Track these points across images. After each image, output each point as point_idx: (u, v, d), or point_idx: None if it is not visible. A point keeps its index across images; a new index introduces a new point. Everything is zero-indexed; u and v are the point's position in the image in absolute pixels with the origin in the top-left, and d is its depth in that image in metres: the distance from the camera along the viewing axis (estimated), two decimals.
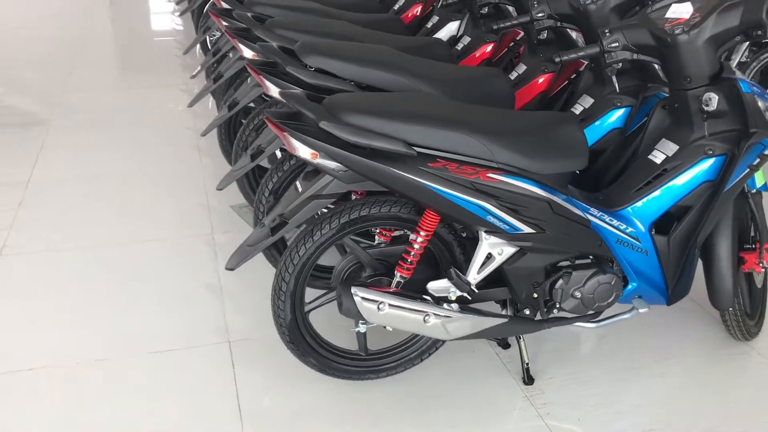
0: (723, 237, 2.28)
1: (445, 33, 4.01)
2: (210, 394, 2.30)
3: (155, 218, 3.43)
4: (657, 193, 2.21)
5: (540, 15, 2.68)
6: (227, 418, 2.20)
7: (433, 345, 2.33)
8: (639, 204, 2.21)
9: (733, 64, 4.69)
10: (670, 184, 2.20)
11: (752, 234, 2.46)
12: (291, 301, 2.12)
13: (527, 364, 2.37)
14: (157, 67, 6.19)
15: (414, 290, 2.11)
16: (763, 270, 2.50)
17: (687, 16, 2.10)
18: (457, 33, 3.81)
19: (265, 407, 2.25)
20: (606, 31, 2.18)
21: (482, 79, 2.55)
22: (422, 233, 2.07)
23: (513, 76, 3.13)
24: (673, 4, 2.15)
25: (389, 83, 2.39)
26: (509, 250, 2.10)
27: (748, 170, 2.17)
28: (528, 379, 2.36)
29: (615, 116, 2.62)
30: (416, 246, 2.08)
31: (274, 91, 2.37)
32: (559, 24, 2.71)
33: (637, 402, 2.30)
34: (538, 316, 2.24)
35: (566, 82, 3.04)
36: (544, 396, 2.31)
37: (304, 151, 1.90)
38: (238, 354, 2.48)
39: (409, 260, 2.10)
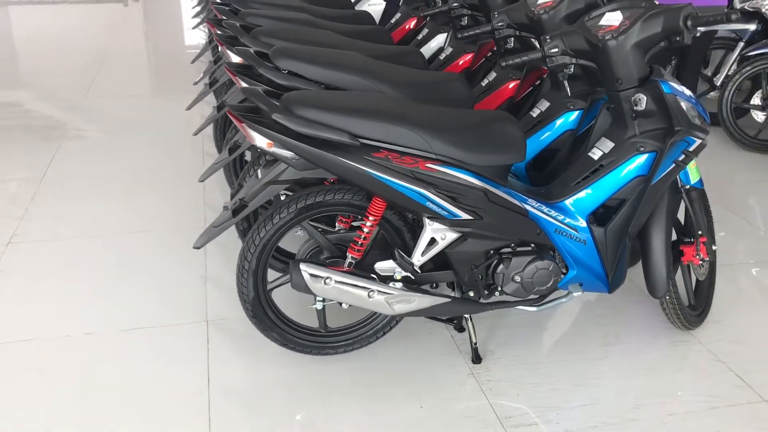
0: (656, 229, 2.46)
1: (435, 44, 4.26)
2: (183, 367, 2.52)
3: (153, 212, 3.70)
4: (593, 186, 2.39)
5: (500, 24, 2.90)
6: (196, 388, 2.42)
7: (388, 324, 2.54)
8: (576, 197, 2.41)
9: (721, 76, 4.87)
10: (605, 178, 2.39)
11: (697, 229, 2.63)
12: (253, 280, 2.34)
13: (475, 344, 2.56)
14: (177, 75, 6.52)
15: (367, 270, 2.32)
16: (701, 262, 2.66)
17: (617, 23, 2.29)
18: (444, 44, 4.05)
19: (232, 380, 2.47)
20: (547, 37, 2.38)
21: (442, 83, 2.77)
22: (370, 218, 2.29)
23: (485, 82, 3.34)
24: (606, 13, 2.35)
25: (354, 85, 2.62)
26: (451, 235, 2.30)
27: (674, 166, 2.35)
28: (476, 359, 2.55)
29: (568, 118, 2.81)
30: (365, 230, 2.30)
31: None
32: (518, 33, 2.92)
33: (576, 381, 2.47)
34: (484, 299, 2.43)
35: (531, 88, 3.24)
36: (489, 374, 2.50)
37: (260, 141, 2.13)
38: (214, 332, 2.71)
39: (359, 242, 2.31)
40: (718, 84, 5.06)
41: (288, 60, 2.63)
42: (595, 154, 2.44)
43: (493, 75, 3.32)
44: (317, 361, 2.54)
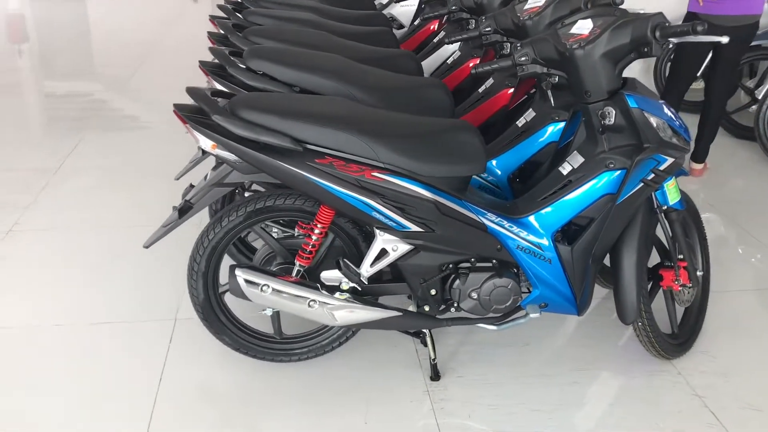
0: (627, 251, 2.32)
1: (452, 47, 4.16)
2: (139, 364, 2.53)
3: (156, 208, 3.72)
4: (559, 203, 2.27)
5: (487, 30, 2.79)
6: (146, 387, 2.42)
7: (344, 335, 2.47)
8: (541, 212, 2.29)
9: (764, 89, 4.59)
10: (572, 195, 2.26)
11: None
12: (203, 282, 2.32)
13: (434, 360, 2.47)
14: None
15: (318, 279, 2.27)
16: (680, 288, 2.50)
17: (587, 32, 2.17)
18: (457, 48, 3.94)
19: (184, 380, 2.45)
20: (518, 45, 2.28)
21: (421, 89, 2.68)
22: (318, 226, 2.23)
23: (482, 89, 3.23)
24: (579, 21, 2.23)
25: (326, 88, 2.56)
26: (403, 246, 2.22)
27: (641, 185, 2.20)
28: (434, 376, 2.46)
29: (552, 130, 2.68)
30: (313, 237, 2.24)
31: None
32: (505, 39, 2.81)
33: (535, 406, 2.36)
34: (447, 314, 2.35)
35: (526, 96, 3.11)
36: (445, 392, 2.41)
37: (204, 142, 2.10)
38: (180, 331, 2.71)
39: (307, 250, 2.26)
40: (759, 97, 4.78)
41: (260, 61, 2.59)
42: (565, 169, 2.32)
43: (490, 81, 3.20)
44: (274, 368, 2.49)
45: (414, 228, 2.17)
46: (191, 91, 2.12)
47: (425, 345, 2.58)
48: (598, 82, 2.16)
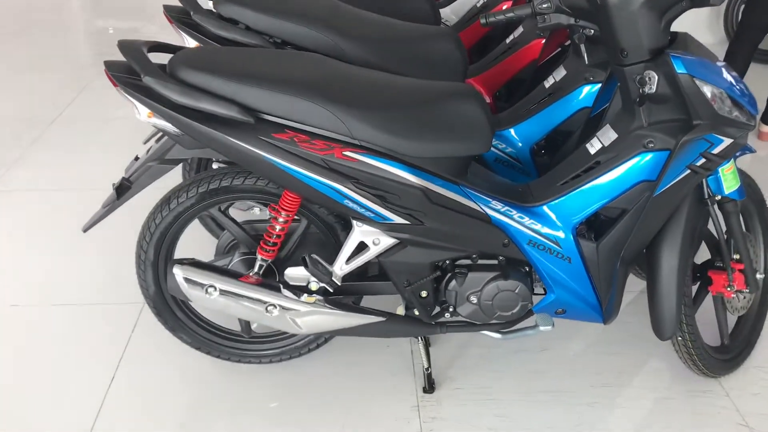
0: (667, 253, 1.86)
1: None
2: (97, 351, 2.24)
3: None
4: (583, 189, 1.82)
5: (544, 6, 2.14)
6: (100, 377, 2.13)
7: (321, 336, 2.10)
8: (560, 200, 1.84)
9: None
10: (600, 180, 1.81)
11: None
12: (153, 272, 1.96)
13: (428, 369, 2.08)
14: None
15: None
16: (734, 295, 2.03)
17: None
18: None
19: (140, 374, 2.15)
20: None
21: (426, 40, 2.22)
22: (283, 213, 1.84)
23: (509, 39, 2.74)
24: None
25: (307, 40, 2.14)
26: (387, 240, 1.81)
27: (688, 172, 1.73)
28: (428, 387, 2.08)
29: (585, 93, 2.21)
30: (277, 227, 1.85)
31: (190, 43, 2.19)
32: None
33: (544, 431, 1.96)
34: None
35: (559, 49, 2.62)
36: (437, 409, 2.02)
37: (141, 109, 1.70)
38: (145, 318, 2.37)
39: (270, 242, 1.87)
40: None
41: (233, 6, 2.17)
42: (593, 146, 1.86)
43: (520, 30, 2.71)
44: (242, 370, 2.14)
45: (397, 220, 1.75)
46: (123, 46, 1.72)
47: (427, 346, 2.17)
48: (637, 38, 1.68)
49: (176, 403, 2.05)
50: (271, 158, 1.66)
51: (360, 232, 1.81)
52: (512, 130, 2.29)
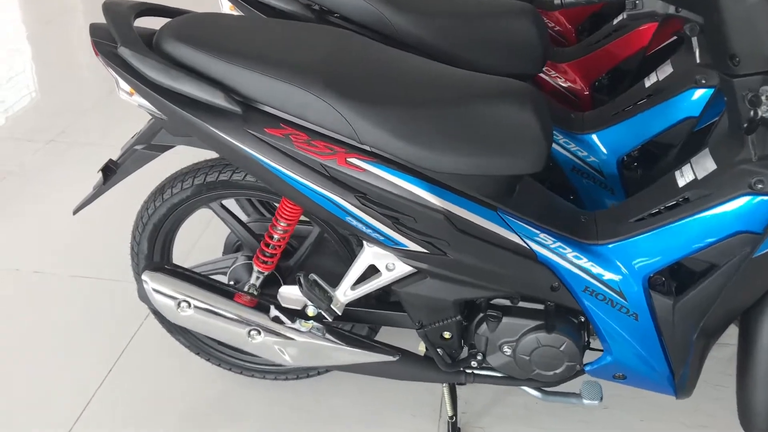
0: (765, 326, 1.40)
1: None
2: (103, 335, 2.07)
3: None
4: (663, 231, 1.40)
5: None
6: (99, 365, 1.97)
7: None
8: (632, 241, 1.43)
9: None
10: (686, 222, 1.37)
11: None
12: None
13: (452, 418, 1.73)
14: None
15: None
16: None
17: None
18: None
19: (139, 371, 1.95)
20: None
21: (498, 16, 1.82)
22: (282, 222, 1.53)
23: (617, 20, 2.26)
24: None
25: (352, 9, 1.79)
26: (403, 267, 1.47)
27: None
28: None
29: (692, 98, 1.74)
30: (275, 236, 1.55)
31: (225, 6, 1.90)
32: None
33: None
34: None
35: (674, 37, 2.12)
36: None
37: (123, 83, 1.43)
38: None
39: (267, 252, 1.57)
40: None
41: None
42: (684, 176, 1.42)
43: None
44: (242, 384, 1.89)
45: (413, 246, 1.40)
46: (108, 7, 1.44)
47: (453, 390, 1.81)
48: (753, 41, 1.22)
49: (164, 413, 1.83)
50: (259, 157, 1.35)
51: (371, 254, 1.47)
52: (595, 136, 1.86)
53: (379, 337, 1.74)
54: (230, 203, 1.70)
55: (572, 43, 2.56)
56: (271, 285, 1.65)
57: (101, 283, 2.25)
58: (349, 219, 1.38)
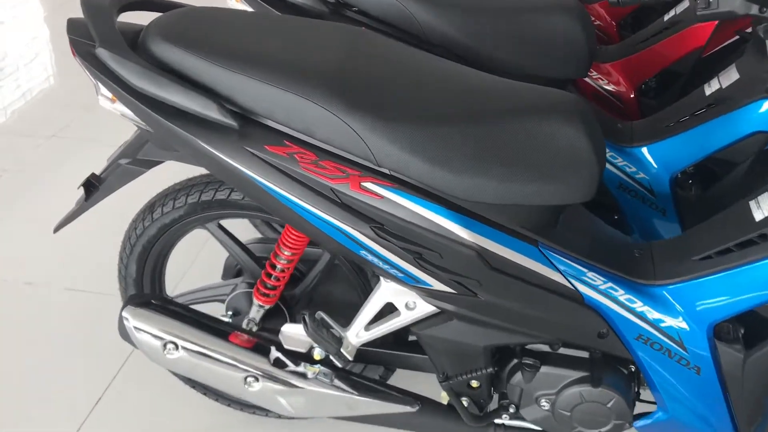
0: None
1: None
2: (100, 351, 1.90)
3: None
4: (733, 273, 1.18)
5: None
6: (100, 377, 1.82)
7: None
8: (695, 283, 1.21)
9: None
10: (764, 264, 1.15)
11: None
12: (138, 291, 1.53)
13: None
14: None
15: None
16: None
17: None
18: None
19: (140, 384, 1.78)
20: None
21: (538, 13, 1.59)
22: (285, 251, 1.32)
23: (667, 16, 2.03)
24: None
25: (375, 4, 1.57)
26: (424, 307, 1.26)
27: None
28: None
29: (762, 110, 1.50)
30: (278, 266, 1.34)
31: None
32: None
33: None
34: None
35: (737, 37, 1.88)
36: None
37: (103, 89, 1.23)
38: None
39: (269, 284, 1.37)
40: None
41: None
42: (762, 207, 1.20)
43: (684, 5, 1.98)
44: (239, 421, 1.69)
45: (438, 286, 1.19)
46: (88, 1, 1.23)
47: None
48: None
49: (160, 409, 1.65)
50: (258, 179, 1.14)
51: (388, 290, 1.27)
52: (646, 149, 1.63)
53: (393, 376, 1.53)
54: (231, 222, 1.48)
55: (615, 40, 2.33)
56: (274, 318, 1.45)
57: (98, 297, 2.07)
58: (363, 253, 1.17)
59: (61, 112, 3.06)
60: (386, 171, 1.13)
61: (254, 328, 1.42)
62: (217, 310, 1.51)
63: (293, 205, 1.15)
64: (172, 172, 1.56)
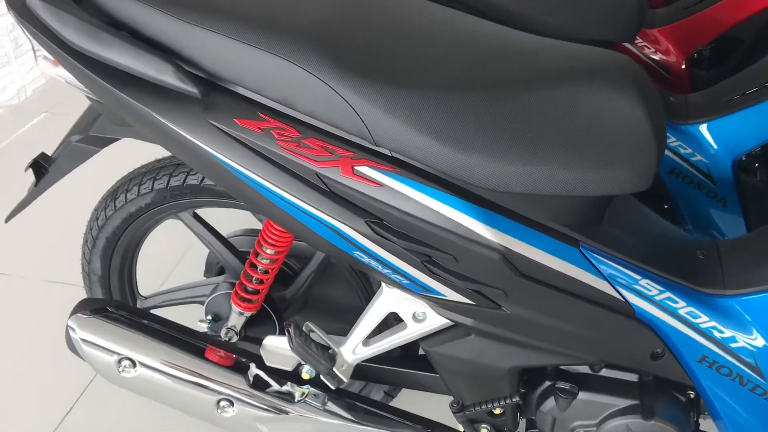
0: None
1: None
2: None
3: None
4: None
5: None
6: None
7: None
8: None
9: None
10: None
11: None
12: (104, 291, 1.31)
13: None
14: None
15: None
16: None
17: None
18: None
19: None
20: None
21: None
22: (268, 248, 1.09)
23: None
24: None
25: None
26: (436, 319, 1.02)
27: None
28: None
29: None
30: (259, 266, 1.11)
31: None
32: None
33: None
34: None
35: None
36: None
37: (42, 50, 1.00)
38: None
39: (249, 288, 1.14)
40: None
41: None
42: None
43: None
44: None
45: (453, 296, 0.95)
46: None
47: None
48: None
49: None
50: (226, 161, 0.91)
51: (392, 298, 1.03)
52: (705, 127, 1.37)
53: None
54: (210, 210, 1.25)
55: (661, 3, 2.06)
56: (260, 324, 1.23)
57: (80, 290, 1.86)
58: (357, 254, 0.94)
59: (54, 86, 2.86)
60: (386, 152, 0.89)
61: (234, 339, 1.19)
62: (198, 314, 1.29)
63: (269, 194, 0.92)
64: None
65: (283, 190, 0.91)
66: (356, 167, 0.89)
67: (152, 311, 1.36)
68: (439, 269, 0.93)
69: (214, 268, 1.35)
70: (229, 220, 1.49)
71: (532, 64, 0.92)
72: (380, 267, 0.94)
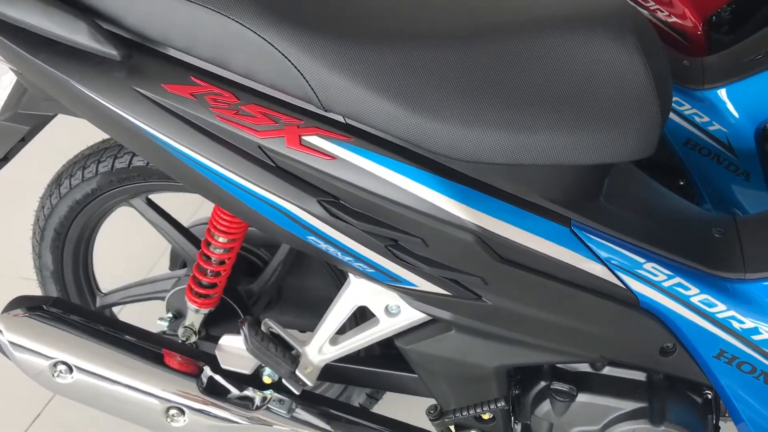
0: None
1: None
2: None
3: None
4: None
5: None
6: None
7: None
8: None
9: None
10: None
11: None
12: (59, 286, 1.20)
13: None
14: None
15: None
16: None
17: None
18: None
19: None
20: None
21: None
22: (219, 236, 0.96)
23: None
24: None
25: None
26: (411, 313, 0.89)
27: None
28: None
29: None
30: (213, 258, 0.98)
31: None
32: None
33: None
34: None
35: None
36: None
37: None
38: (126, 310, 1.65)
39: (204, 282, 1.01)
40: None
41: None
42: None
43: None
44: None
45: (424, 286, 0.82)
46: None
47: None
48: None
49: None
50: (153, 133, 0.79)
51: (360, 290, 0.90)
52: (724, 92, 1.22)
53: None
54: (165, 197, 1.13)
55: None
56: (224, 322, 1.10)
57: None
58: (312, 239, 0.81)
59: None
60: (338, 118, 0.76)
61: (193, 339, 1.07)
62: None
63: (207, 171, 0.79)
64: None
65: (221, 166, 0.78)
66: (304, 137, 0.76)
67: (113, 309, 1.26)
68: (407, 255, 0.80)
69: (178, 261, 1.23)
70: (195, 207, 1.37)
71: (510, 9, 0.78)
72: (339, 254, 0.81)
